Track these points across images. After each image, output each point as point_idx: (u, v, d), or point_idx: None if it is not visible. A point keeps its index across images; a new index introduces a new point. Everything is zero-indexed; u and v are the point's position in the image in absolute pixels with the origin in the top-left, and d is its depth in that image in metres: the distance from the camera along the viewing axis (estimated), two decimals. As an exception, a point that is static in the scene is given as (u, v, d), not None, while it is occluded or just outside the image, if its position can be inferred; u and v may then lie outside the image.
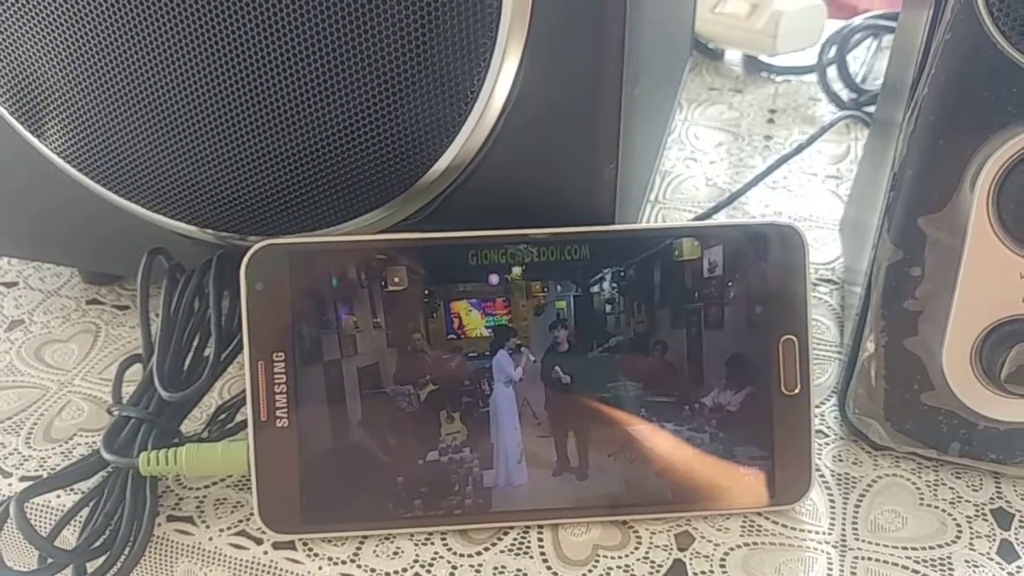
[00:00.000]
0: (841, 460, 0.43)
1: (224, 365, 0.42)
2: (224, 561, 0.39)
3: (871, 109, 0.71)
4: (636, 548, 0.39)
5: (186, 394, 0.40)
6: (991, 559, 0.38)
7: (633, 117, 0.41)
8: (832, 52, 0.75)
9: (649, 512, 0.40)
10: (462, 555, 0.39)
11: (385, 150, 0.39)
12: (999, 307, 0.37)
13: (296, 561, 0.38)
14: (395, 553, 0.39)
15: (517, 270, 0.39)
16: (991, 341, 0.37)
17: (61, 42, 0.40)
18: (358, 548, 0.39)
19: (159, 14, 0.37)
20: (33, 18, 0.39)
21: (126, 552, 0.38)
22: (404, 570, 0.38)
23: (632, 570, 0.38)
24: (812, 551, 0.39)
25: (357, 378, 0.39)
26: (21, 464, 0.43)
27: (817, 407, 0.46)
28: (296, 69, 0.37)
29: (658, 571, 0.38)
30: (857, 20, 0.77)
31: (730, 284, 0.39)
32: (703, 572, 0.38)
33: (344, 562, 0.38)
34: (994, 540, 0.39)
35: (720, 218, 0.60)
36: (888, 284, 0.39)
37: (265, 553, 0.39)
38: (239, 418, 0.43)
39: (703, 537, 0.39)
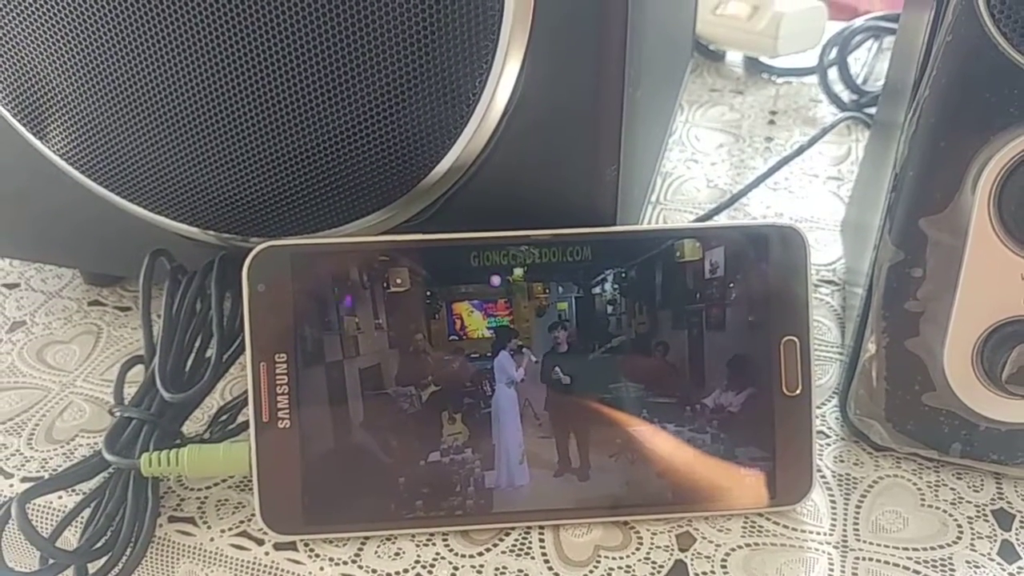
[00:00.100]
0: (842, 461, 0.43)
1: (226, 366, 0.42)
2: (225, 562, 0.39)
3: (872, 110, 0.71)
4: (637, 549, 0.39)
5: (188, 395, 0.40)
6: (992, 560, 0.38)
7: (635, 119, 0.41)
8: (833, 54, 0.75)
9: (650, 513, 0.40)
10: (464, 556, 0.39)
11: (387, 152, 0.39)
12: (1000, 308, 0.37)
13: (298, 562, 0.39)
14: (397, 554, 0.39)
15: (519, 271, 0.39)
16: (992, 342, 0.37)
17: (63, 43, 0.40)
18: (360, 549, 0.39)
19: (161, 15, 0.37)
20: (35, 19, 0.39)
21: (128, 553, 0.38)
22: (405, 571, 0.38)
23: (633, 571, 0.38)
24: (813, 552, 0.39)
25: (359, 379, 0.39)
26: (23, 465, 0.43)
27: (818, 408, 0.46)
28: (299, 71, 0.37)
29: (659, 572, 0.38)
30: (858, 22, 0.77)
31: (731, 285, 0.39)
32: (704, 573, 0.38)
33: (345, 563, 0.38)
34: (995, 541, 0.39)
35: (721, 219, 0.60)
36: (889, 285, 0.39)
37: (267, 554, 0.39)
38: (241, 419, 0.43)
39: (704, 538, 0.39)
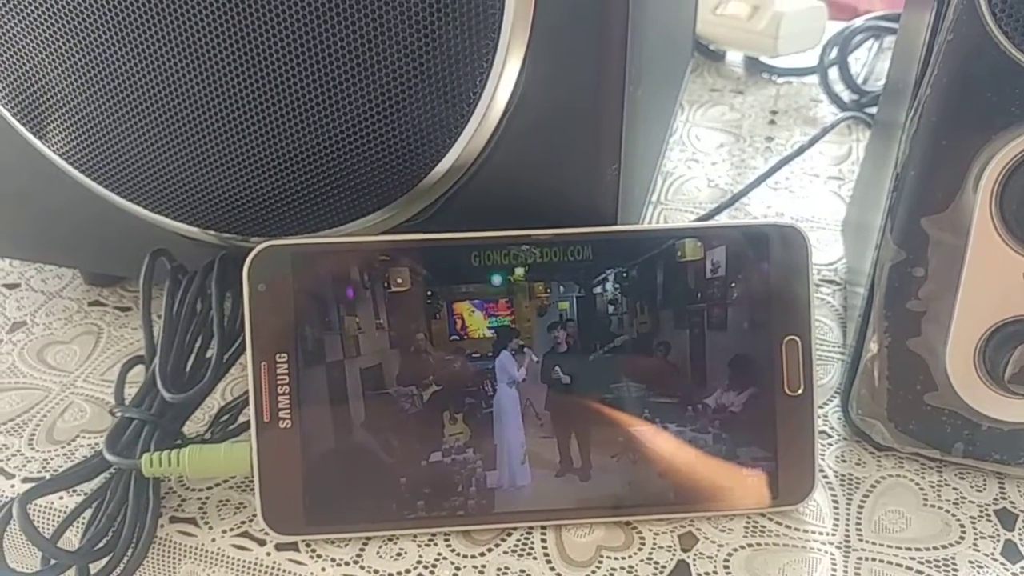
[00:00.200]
0: (844, 461, 0.43)
1: (227, 366, 0.42)
2: (227, 562, 0.39)
3: (873, 110, 0.71)
4: (640, 549, 0.39)
5: (189, 395, 0.40)
6: (995, 560, 0.38)
7: (635, 118, 0.41)
8: (833, 53, 0.75)
9: (652, 513, 0.40)
10: (465, 556, 0.39)
11: (388, 152, 0.39)
12: (1002, 307, 0.37)
13: (299, 562, 0.38)
14: (398, 554, 0.39)
15: (520, 271, 0.39)
16: (994, 341, 0.37)
17: (63, 43, 0.40)
18: (361, 549, 0.39)
19: (162, 14, 0.37)
20: (35, 19, 0.39)
21: (129, 553, 0.38)
22: (407, 571, 0.38)
23: (636, 571, 0.38)
24: (816, 552, 0.39)
25: (360, 379, 0.39)
26: (24, 465, 0.43)
27: (820, 408, 0.46)
28: (299, 70, 0.37)
29: (662, 572, 0.38)
30: (858, 21, 0.77)
31: (733, 285, 0.39)
32: (707, 573, 0.38)
33: (347, 563, 0.38)
34: (998, 541, 0.39)
35: (722, 219, 0.60)
36: (891, 285, 0.39)
37: (268, 554, 0.39)
38: (242, 419, 0.43)
39: (707, 538, 0.39)
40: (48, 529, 0.39)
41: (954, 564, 0.38)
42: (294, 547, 0.39)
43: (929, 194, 0.37)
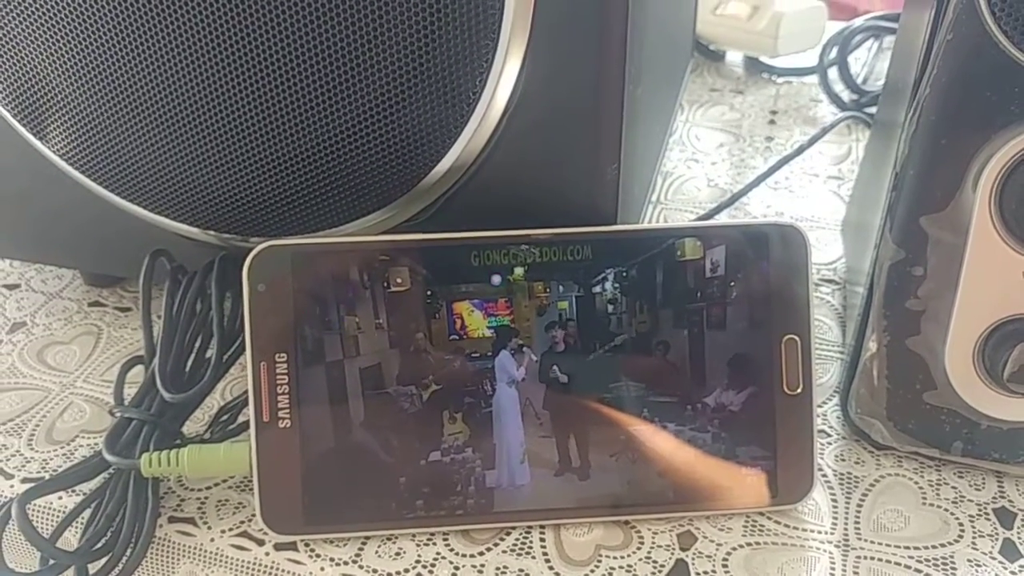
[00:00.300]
0: (843, 460, 0.43)
1: (226, 366, 0.42)
2: (226, 562, 0.39)
3: (872, 110, 0.71)
4: (638, 548, 0.39)
5: (188, 395, 0.40)
6: (994, 558, 0.38)
7: (635, 118, 0.41)
8: (833, 53, 0.75)
9: (651, 512, 0.40)
10: (464, 555, 0.39)
11: (387, 152, 0.39)
12: (1001, 306, 0.37)
13: (298, 562, 0.38)
14: (397, 554, 0.39)
15: (519, 271, 0.39)
16: (993, 340, 0.37)
17: (63, 44, 0.40)
18: (360, 549, 0.39)
19: (161, 15, 0.37)
20: (36, 19, 0.39)
21: (128, 553, 0.38)
22: (406, 571, 0.38)
23: (635, 570, 0.38)
24: (815, 551, 0.39)
25: (359, 379, 0.39)
26: (23, 466, 0.43)
27: (819, 407, 0.46)
28: (299, 70, 0.37)
29: (660, 571, 0.38)
30: (858, 21, 0.77)
31: (732, 284, 0.39)
32: (705, 572, 0.38)
33: (346, 563, 0.38)
34: (997, 539, 0.39)
35: (722, 218, 0.60)
36: (890, 284, 0.39)
37: (267, 554, 0.39)
38: (241, 419, 0.43)
39: (705, 537, 0.39)
40: (47, 529, 0.39)
41: (953, 563, 0.38)
42: (293, 547, 0.39)
43: (928, 193, 0.37)
